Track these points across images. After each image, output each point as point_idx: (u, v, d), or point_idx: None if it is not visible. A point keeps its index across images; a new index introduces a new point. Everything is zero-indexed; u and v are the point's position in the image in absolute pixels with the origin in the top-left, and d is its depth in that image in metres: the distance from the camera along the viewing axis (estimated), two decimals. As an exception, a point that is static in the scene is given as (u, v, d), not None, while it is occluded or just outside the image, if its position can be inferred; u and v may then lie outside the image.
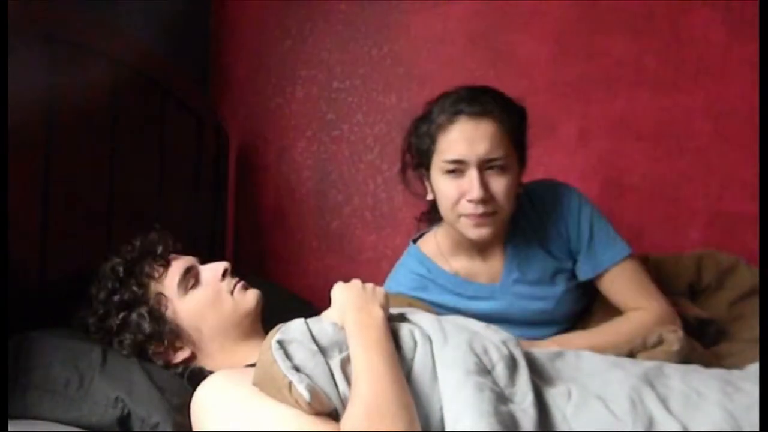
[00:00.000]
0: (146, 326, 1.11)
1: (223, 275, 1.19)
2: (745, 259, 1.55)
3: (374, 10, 2.15)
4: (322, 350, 0.91)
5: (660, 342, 1.18)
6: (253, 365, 0.96)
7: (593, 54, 1.97)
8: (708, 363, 1.12)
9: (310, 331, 0.94)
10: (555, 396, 0.91)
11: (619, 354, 1.17)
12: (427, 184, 1.39)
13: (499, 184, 1.29)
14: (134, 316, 1.12)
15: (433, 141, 1.32)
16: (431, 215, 1.48)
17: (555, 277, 1.42)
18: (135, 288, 1.14)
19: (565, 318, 1.45)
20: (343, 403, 0.86)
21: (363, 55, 2.17)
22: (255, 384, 0.91)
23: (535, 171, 1.99)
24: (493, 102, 1.31)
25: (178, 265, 1.18)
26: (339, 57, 2.19)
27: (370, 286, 1.05)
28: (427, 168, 1.36)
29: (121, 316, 1.12)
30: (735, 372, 1.04)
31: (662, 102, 1.92)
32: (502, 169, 1.29)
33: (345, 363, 0.90)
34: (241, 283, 1.20)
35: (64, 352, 1.11)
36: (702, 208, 1.88)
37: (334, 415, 0.86)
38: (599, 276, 1.40)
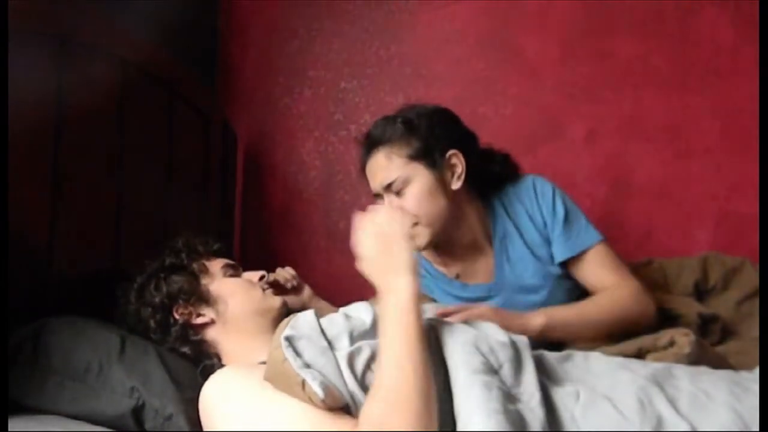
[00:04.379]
0: (181, 281, 1.21)
1: (261, 278, 1.29)
2: (753, 260, 1.55)
3: (382, 11, 2.16)
4: (331, 342, 0.92)
5: (671, 344, 1.17)
6: (263, 362, 0.97)
7: (601, 54, 1.96)
8: (717, 365, 1.11)
9: (320, 324, 0.94)
10: (563, 397, 0.91)
11: (598, 327, 1.29)
12: None
13: (404, 201, 1.38)
14: (174, 277, 1.22)
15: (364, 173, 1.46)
16: None
17: (543, 269, 1.45)
18: (184, 256, 1.26)
19: (549, 292, 1.45)
20: (353, 398, 0.86)
21: (370, 55, 2.17)
22: (266, 380, 0.91)
23: (544, 171, 1.99)
24: (383, 131, 1.41)
25: (226, 260, 1.31)
26: (346, 57, 2.20)
27: (391, 228, 1.01)
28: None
29: (163, 275, 1.22)
30: (743, 373, 1.04)
31: (670, 103, 1.91)
32: (402, 187, 1.39)
33: (352, 357, 0.90)
34: (273, 289, 1.31)
35: (83, 339, 1.13)
36: (710, 209, 1.88)
37: (345, 410, 0.86)
38: (575, 258, 1.43)
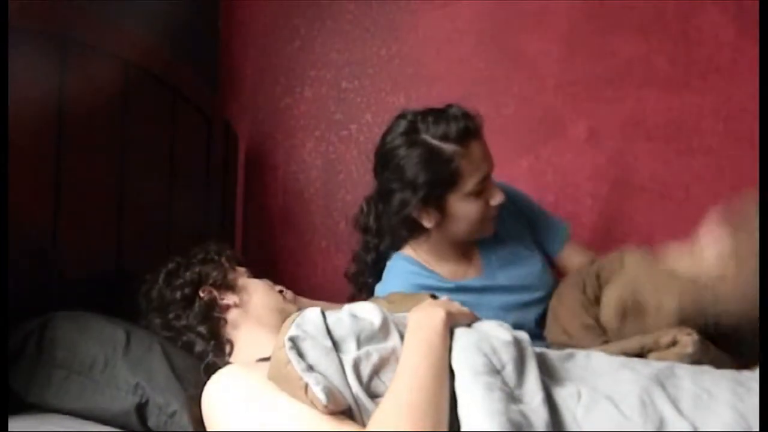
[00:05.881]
0: (210, 268, 1.28)
1: (280, 291, 1.35)
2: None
3: (383, 10, 2.16)
4: (337, 344, 0.91)
5: (674, 343, 1.17)
6: (265, 359, 0.97)
7: (602, 54, 1.96)
8: (720, 364, 1.11)
9: (326, 324, 0.94)
10: (565, 397, 0.91)
11: None
12: (431, 214, 1.39)
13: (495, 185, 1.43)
14: (204, 266, 1.29)
15: (454, 170, 1.34)
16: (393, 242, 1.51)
17: (525, 252, 1.52)
18: (213, 253, 1.34)
19: (545, 284, 1.50)
20: (356, 402, 0.86)
21: (371, 55, 2.17)
22: (270, 380, 0.91)
23: (545, 171, 2.00)
24: (475, 121, 1.38)
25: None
26: (347, 57, 2.20)
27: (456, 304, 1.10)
28: (439, 198, 1.37)
29: (194, 261, 1.30)
30: (746, 373, 1.04)
31: (672, 102, 1.91)
32: None
33: (359, 361, 0.89)
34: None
35: (88, 333, 1.13)
36: (712, 209, 1.87)
37: (348, 413, 0.86)
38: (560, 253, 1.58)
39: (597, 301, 1.34)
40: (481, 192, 1.36)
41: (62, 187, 1.32)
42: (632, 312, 1.25)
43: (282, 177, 2.27)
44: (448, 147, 1.33)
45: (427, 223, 1.40)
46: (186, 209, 1.80)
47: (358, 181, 2.18)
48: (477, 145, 1.36)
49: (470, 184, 1.35)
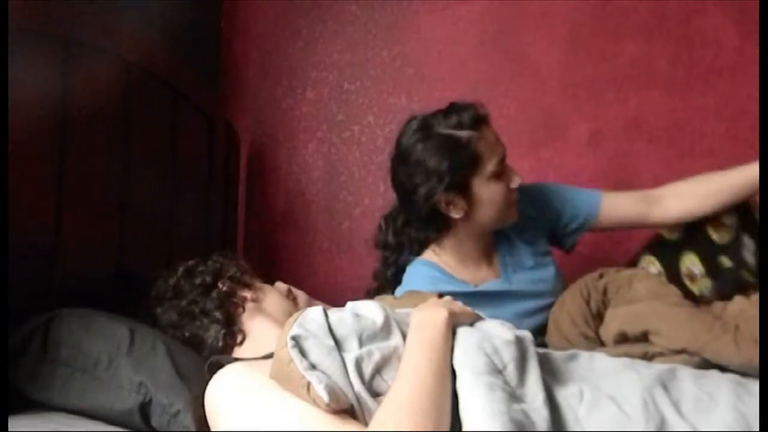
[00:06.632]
0: (229, 265, 1.33)
1: (288, 291, 1.41)
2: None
3: (385, 12, 2.16)
4: (339, 343, 0.91)
5: (681, 350, 1.17)
6: (268, 356, 0.97)
7: (605, 55, 1.96)
8: (723, 368, 1.11)
9: (328, 322, 0.94)
10: (567, 397, 0.91)
11: None
12: (458, 202, 1.41)
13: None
14: (225, 262, 1.34)
15: (473, 154, 1.38)
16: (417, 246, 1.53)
17: (540, 259, 1.53)
18: (231, 257, 1.38)
19: (555, 290, 1.50)
20: (359, 400, 0.86)
21: (373, 56, 2.17)
22: (272, 378, 0.91)
23: (546, 172, 2.00)
24: (475, 104, 1.45)
25: None
26: (349, 58, 2.20)
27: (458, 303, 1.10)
28: (463, 183, 1.40)
29: (211, 260, 1.34)
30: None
31: (674, 103, 1.91)
32: None
33: (361, 360, 0.89)
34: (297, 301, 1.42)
35: (93, 331, 1.13)
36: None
37: (350, 412, 0.86)
38: (599, 212, 1.53)
39: (600, 316, 1.34)
40: (500, 174, 1.41)
41: (64, 186, 1.32)
42: (633, 340, 1.25)
43: (283, 178, 2.27)
44: (464, 133, 1.38)
45: (456, 214, 1.42)
46: (188, 209, 1.80)
47: (360, 182, 2.19)
48: (488, 130, 1.41)
49: (490, 165, 1.39)
